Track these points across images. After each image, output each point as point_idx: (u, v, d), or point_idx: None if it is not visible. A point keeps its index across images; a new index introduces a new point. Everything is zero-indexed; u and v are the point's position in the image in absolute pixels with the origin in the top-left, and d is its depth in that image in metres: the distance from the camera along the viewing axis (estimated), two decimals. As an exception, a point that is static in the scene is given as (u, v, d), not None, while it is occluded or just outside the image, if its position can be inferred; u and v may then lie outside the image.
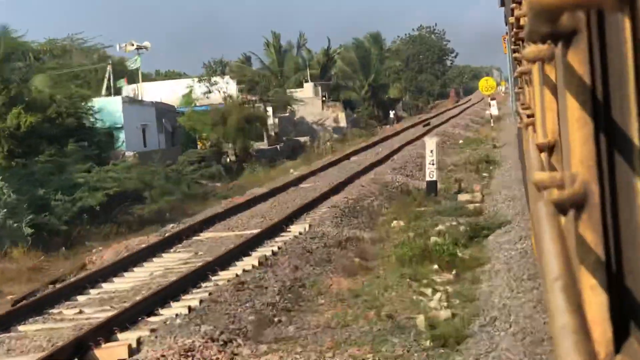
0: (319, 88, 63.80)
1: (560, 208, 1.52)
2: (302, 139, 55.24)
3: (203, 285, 11.91)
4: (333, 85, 69.70)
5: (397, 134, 47.83)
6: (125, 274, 13.52)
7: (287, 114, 59.96)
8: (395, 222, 16.66)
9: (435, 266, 12.21)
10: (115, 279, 13.09)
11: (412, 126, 55.00)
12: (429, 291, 10.80)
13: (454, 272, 11.93)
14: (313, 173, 27.04)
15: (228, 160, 45.65)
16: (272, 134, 56.19)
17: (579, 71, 1.51)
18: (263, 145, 51.15)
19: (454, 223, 15.39)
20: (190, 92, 50.14)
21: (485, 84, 48.47)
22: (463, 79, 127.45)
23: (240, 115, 46.00)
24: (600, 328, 1.37)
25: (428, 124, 53.28)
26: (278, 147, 52.85)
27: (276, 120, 56.61)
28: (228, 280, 11.75)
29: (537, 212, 1.53)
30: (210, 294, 11.01)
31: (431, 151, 20.03)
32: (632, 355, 1.47)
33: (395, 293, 11.03)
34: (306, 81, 64.82)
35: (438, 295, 10.48)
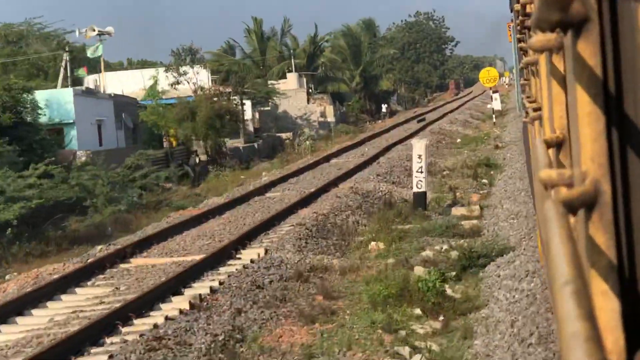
0: (304, 79, 61.30)
1: (570, 208, 1.50)
2: (284, 135, 52.31)
3: (108, 340, 9.86)
4: (320, 76, 67.52)
5: (387, 130, 46.58)
6: (18, 318, 11.23)
7: (269, 108, 57.79)
8: (373, 244, 14.95)
9: (418, 310, 10.40)
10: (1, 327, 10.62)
11: (406, 122, 53.21)
12: (405, 351, 8.97)
13: (441, 318, 10.12)
14: (284, 179, 25.62)
15: (198, 160, 43.50)
16: (252, 129, 53.89)
17: (590, 62, 1.62)
18: (239, 142, 48.89)
19: (445, 247, 13.82)
20: (155, 83, 47.33)
21: (487, 75, 45.71)
22: (464, 70, 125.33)
23: (210, 109, 43.24)
24: (612, 336, 1.36)
25: (423, 120, 51.38)
26: (256, 144, 50.39)
27: (256, 114, 54.37)
28: (141, 335, 9.61)
29: (545, 212, 1.50)
30: (110, 357, 8.96)
31: (419, 156, 17.62)
32: None
33: (361, 353, 9.13)
34: (290, 71, 61.88)
35: (418, 358, 8.73)
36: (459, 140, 36.37)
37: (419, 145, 17.95)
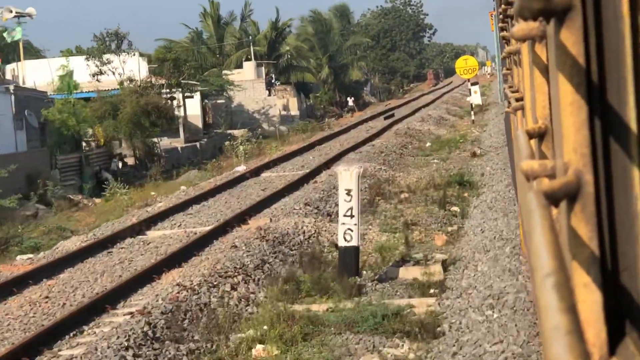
0: (264, 68, 57.04)
1: (552, 199, 1.52)
2: (236, 132, 47.50)
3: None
4: (283, 65, 63.74)
5: (348, 129, 42.06)
6: None
7: (223, 101, 53.32)
8: (259, 348, 9.26)
9: None
10: None
11: (373, 117, 49.17)
12: None
13: None
14: (185, 205, 19.94)
15: (120, 165, 38.11)
16: (200, 126, 49.38)
17: (573, 51, 1.68)
18: (178, 142, 44.05)
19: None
20: (67, 73, 40.82)
21: (464, 65, 40.45)
22: (444, 59, 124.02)
23: (136, 104, 38.19)
24: (594, 328, 1.38)
25: (391, 116, 46.89)
26: (199, 144, 45.44)
27: (196, 110, 48.78)
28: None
29: (527, 204, 1.51)
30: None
31: (348, 192, 11.83)
32: (627, 357, 1.57)
33: None
34: (248, 59, 57.57)
35: None
36: (428, 144, 31.98)
37: (347, 176, 11.83)
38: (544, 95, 2.81)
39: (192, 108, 47.45)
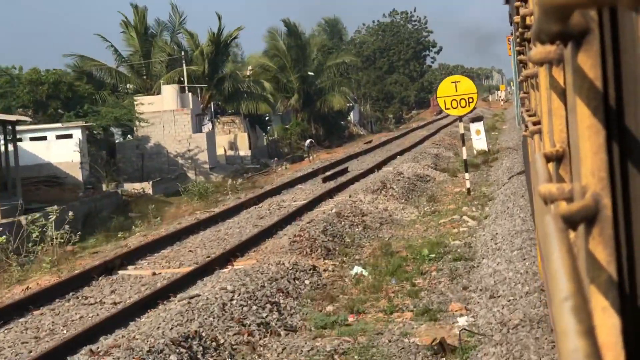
0: (190, 95, 45.75)
1: (570, 222, 1.59)
2: (139, 187, 36.97)
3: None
4: (229, 90, 52.48)
5: (241, 207, 28.21)
6: None
7: (131, 140, 43.26)
8: None
9: None
10: None
11: (317, 173, 36.69)
12: None
13: None
14: None
15: None
16: (81, 178, 36.45)
17: (590, 75, 1.78)
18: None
19: None
20: None
21: (453, 93, 23.51)
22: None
23: None
24: (612, 352, 1.45)
25: (331, 179, 33.66)
26: (24, 219, 29.54)
27: (70, 156, 36.07)
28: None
29: (545, 227, 1.54)
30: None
31: None
32: None
33: None
34: (181, 82, 47.13)
35: None
36: (354, 271, 16.00)
37: None
38: (561, 119, 2.87)
39: (66, 152, 35.72)
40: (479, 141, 33.71)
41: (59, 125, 35.25)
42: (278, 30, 61.75)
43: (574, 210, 1.80)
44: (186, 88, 46.27)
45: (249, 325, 11.71)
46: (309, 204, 24.47)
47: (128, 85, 48.61)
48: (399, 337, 10.31)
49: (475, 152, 33.19)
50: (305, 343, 10.71)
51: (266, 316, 12.31)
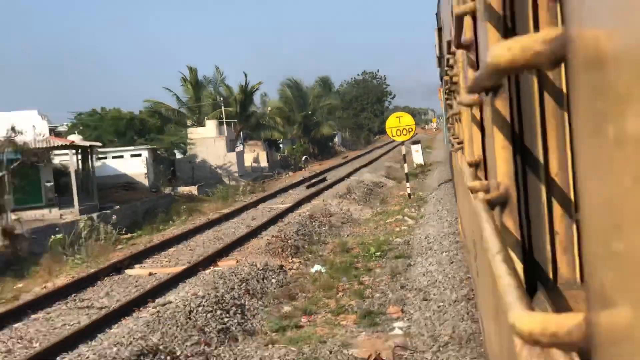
0: (225, 127, 45.37)
1: (490, 205, 1.61)
2: (187, 189, 35.30)
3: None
4: (254, 123, 52.74)
5: (257, 203, 25.43)
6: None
7: (184, 157, 41.58)
8: None
9: None
10: None
11: (303, 182, 32.87)
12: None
13: None
14: None
15: None
16: (146, 185, 34.25)
17: (503, 113, 1.88)
18: (71, 213, 25.75)
19: None
20: None
21: (397, 125, 22.08)
22: None
23: None
24: (522, 288, 1.47)
25: (321, 180, 31.27)
26: (109, 213, 26.20)
27: (140, 168, 34.62)
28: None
29: (476, 208, 1.62)
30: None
31: None
32: (539, 303, 1.69)
33: None
34: (221, 119, 46.54)
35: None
36: (316, 268, 13.24)
37: None
38: (478, 141, 2.92)
39: (137, 166, 34.75)
40: (417, 157, 32.58)
41: (132, 147, 34.76)
42: (287, 83, 62.31)
43: (494, 198, 1.84)
44: (224, 122, 45.48)
45: (209, 333, 9.13)
46: (292, 207, 21.54)
47: (187, 121, 47.88)
48: (340, 348, 8.07)
49: (414, 165, 31.64)
50: (256, 352, 8.30)
51: (228, 321, 9.63)
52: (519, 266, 1.72)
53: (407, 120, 21.62)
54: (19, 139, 22.02)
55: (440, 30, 11.12)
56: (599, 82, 0.57)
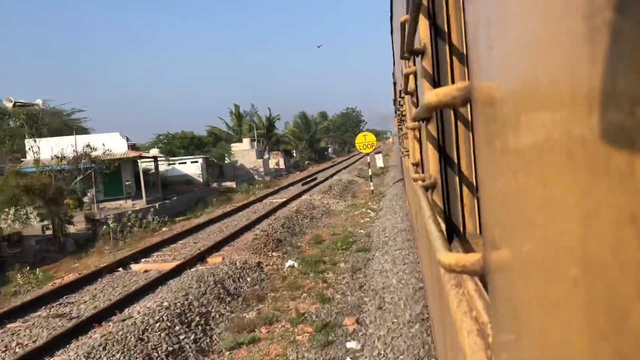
0: (256, 142, 45.79)
1: (426, 189, 1.65)
2: (229, 184, 34.61)
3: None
4: (275, 140, 54.20)
5: (275, 192, 23.50)
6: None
7: (229, 162, 42.13)
8: None
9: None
10: None
11: (299, 181, 28.83)
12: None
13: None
14: None
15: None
16: (198, 182, 31.92)
17: (432, 133, 1.86)
18: (140, 203, 22.63)
19: None
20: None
21: (364, 141, 20.37)
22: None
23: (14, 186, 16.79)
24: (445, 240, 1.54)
25: (313, 179, 27.78)
26: (168, 202, 23.23)
27: (197, 170, 34.40)
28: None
29: (416, 191, 1.65)
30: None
31: None
32: (454, 247, 1.67)
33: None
34: (253, 139, 46.72)
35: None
36: (289, 265, 9.71)
37: None
38: (417, 150, 2.95)
39: (195, 169, 35.09)
40: (379, 162, 32.56)
41: (192, 157, 35.26)
42: (299, 115, 65.08)
43: (427, 184, 1.85)
44: (255, 140, 46.48)
45: (156, 359, 5.73)
46: (286, 202, 17.80)
47: (233, 139, 48.74)
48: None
49: (377, 167, 31.26)
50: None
51: (184, 338, 6.31)
52: (442, 225, 1.71)
53: (370, 138, 20.34)
54: (94, 154, 20.33)
55: (395, 84, 10.93)
56: (490, 114, 0.58)
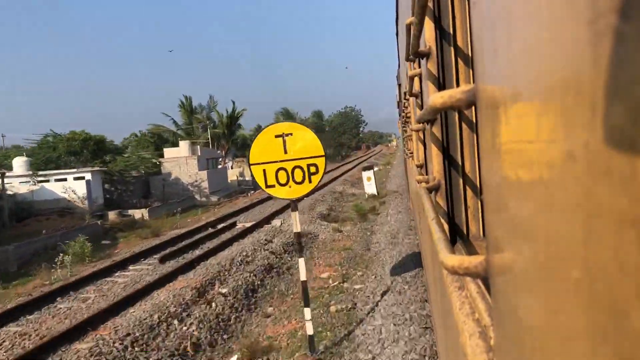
0: (200, 146, 31.54)
1: (429, 190, 1.64)
2: (138, 213, 21.13)
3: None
4: (239, 143, 43.73)
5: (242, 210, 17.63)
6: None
7: (160, 175, 28.65)
8: None
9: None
10: None
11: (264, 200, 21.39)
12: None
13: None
14: None
15: None
16: (89, 208, 20.36)
17: (437, 135, 1.84)
18: None
19: None
20: None
21: (270, 153, 5.43)
22: (374, 138, 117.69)
23: None
24: (448, 241, 1.54)
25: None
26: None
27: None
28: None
29: (420, 193, 1.65)
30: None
31: None
32: (458, 250, 1.67)
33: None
34: (199, 142, 34.79)
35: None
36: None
37: None
38: (421, 150, 2.92)
39: (79, 187, 22.78)
40: (369, 186, 15.02)
41: (76, 170, 22.23)
42: (281, 112, 55.67)
43: (431, 185, 1.83)
44: (210, 143, 34.78)
45: None
46: (259, 223, 13.46)
47: (180, 142, 34.65)
48: None
49: (367, 195, 18.88)
50: None
51: None
52: (446, 227, 1.71)
53: (308, 140, 6.01)
54: None
55: (399, 85, 10.96)
56: (494, 117, 0.58)
